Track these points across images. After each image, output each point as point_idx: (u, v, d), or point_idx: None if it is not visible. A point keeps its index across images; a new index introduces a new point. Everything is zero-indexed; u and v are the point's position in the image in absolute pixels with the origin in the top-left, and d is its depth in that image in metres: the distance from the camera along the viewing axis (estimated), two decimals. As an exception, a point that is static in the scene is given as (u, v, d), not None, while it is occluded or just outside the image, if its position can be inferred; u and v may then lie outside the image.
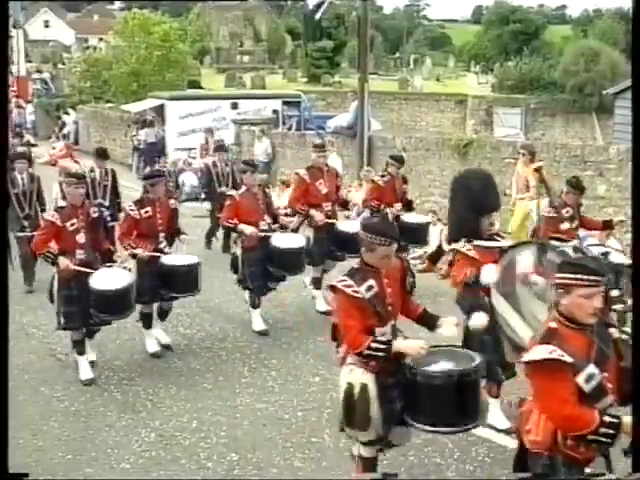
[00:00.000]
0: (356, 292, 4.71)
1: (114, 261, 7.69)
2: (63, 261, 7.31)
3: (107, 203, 11.48)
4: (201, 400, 7.11)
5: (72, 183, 7.53)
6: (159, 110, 23.21)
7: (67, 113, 31.75)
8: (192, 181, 18.48)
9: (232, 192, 9.21)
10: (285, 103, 23.48)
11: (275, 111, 22.39)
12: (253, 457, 6.04)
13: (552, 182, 10.21)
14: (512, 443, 5.96)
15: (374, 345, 4.66)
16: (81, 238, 7.43)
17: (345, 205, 10.05)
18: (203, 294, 10.16)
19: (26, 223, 10.94)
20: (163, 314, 8.58)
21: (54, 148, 27.14)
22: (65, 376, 7.78)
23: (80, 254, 7.43)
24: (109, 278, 7.39)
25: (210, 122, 21.79)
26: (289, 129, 21.97)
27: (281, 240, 8.78)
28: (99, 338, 8.73)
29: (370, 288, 4.76)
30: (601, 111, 31.11)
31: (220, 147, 14.37)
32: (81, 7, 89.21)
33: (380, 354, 4.68)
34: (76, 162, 16.34)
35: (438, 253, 11.44)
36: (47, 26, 75.57)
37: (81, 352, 7.69)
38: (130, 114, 25.48)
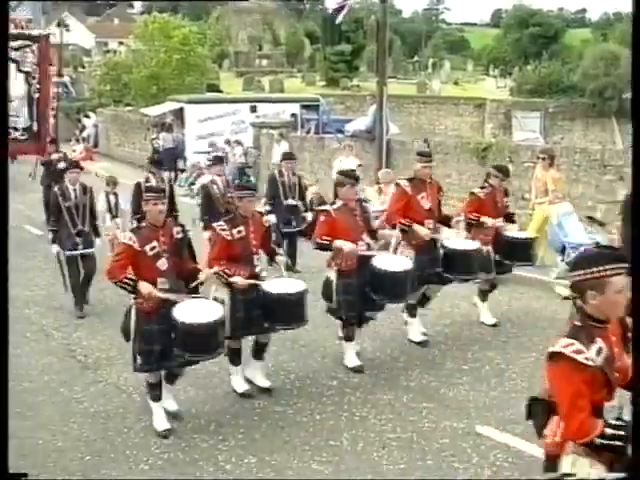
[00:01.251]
0: (587, 359, 3.56)
1: (197, 290, 6.64)
2: (145, 287, 6.24)
3: None
4: (219, 402, 7.13)
5: (150, 198, 6.45)
6: (178, 113, 23.34)
7: (87, 116, 32.00)
8: (211, 183, 18.53)
9: (326, 207, 7.96)
10: (304, 107, 23.56)
11: (294, 114, 22.48)
12: (271, 460, 6.04)
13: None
14: (530, 448, 5.97)
15: (609, 432, 3.50)
16: (163, 264, 6.36)
17: (447, 222, 8.88)
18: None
19: (78, 240, 9.89)
20: (260, 350, 7.40)
21: (74, 151, 27.33)
22: (84, 377, 7.83)
23: (162, 283, 6.37)
24: (197, 310, 6.29)
25: (229, 125, 21.90)
26: (307, 132, 22.04)
27: (385, 262, 7.62)
28: (116, 339, 8.82)
29: (600, 351, 3.63)
30: (621, 115, 30.94)
31: (288, 155, 12.55)
32: (101, 11, 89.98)
33: (617, 443, 3.48)
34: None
35: None
36: (67, 30, 76.14)
37: (156, 397, 6.65)
38: (149, 117, 25.62)
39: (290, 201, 11.76)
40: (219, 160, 12.02)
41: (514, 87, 41.29)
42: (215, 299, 6.67)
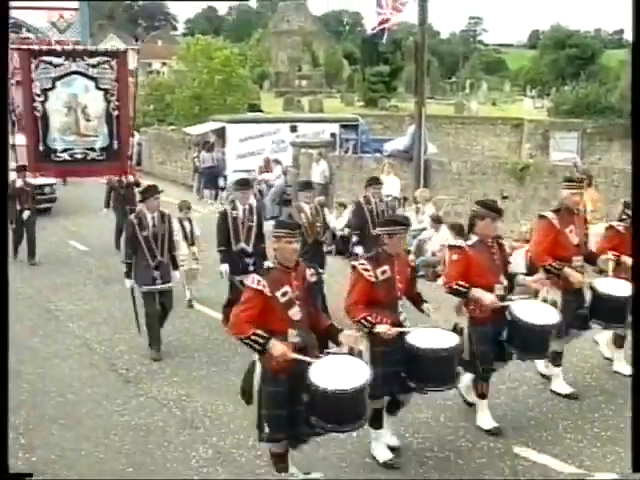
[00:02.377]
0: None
1: (336, 343, 5.62)
2: (279, 347, 5.22)
3: (251, 249, 9.53)
4: (257, 418, 7.20)
5: (283, 235, 5.44)
6: (220, 133, 23.61)
7: (131, 135, 32.48)
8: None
9: (460, 242, 6.85)
10: (343, 126, 23.68)
11: (333, 134, 22.60)
12: (309, 476, 6.10)
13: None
14: (567, 468, 5.96)
15: None
16: (296, 314, 5.40)
17: (593, 259, 7.77)
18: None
19: (156, 274, 8.90)
20: (395, 406, 6.42)
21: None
22: (126, 391, 7.96)
23: (294, 335, 5.41)
24: (338, 372, 5.26)
25: (269, 144, 22.13)
26: (346, 152, 22.13)
27: (527, 311, 6.60)
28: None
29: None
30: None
31: (374, 180, 11.02)
32: (145, 33, 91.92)
33: None
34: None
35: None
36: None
37: (282, 468, 5.77)
38: (192, 136, 25.98)
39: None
40: (307, 186, 10.65)
41: (552, 108, 41.04)
42: (351, 351, 5.66)
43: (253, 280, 5.36)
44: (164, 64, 56.57)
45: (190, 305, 11.01)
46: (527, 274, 7.71)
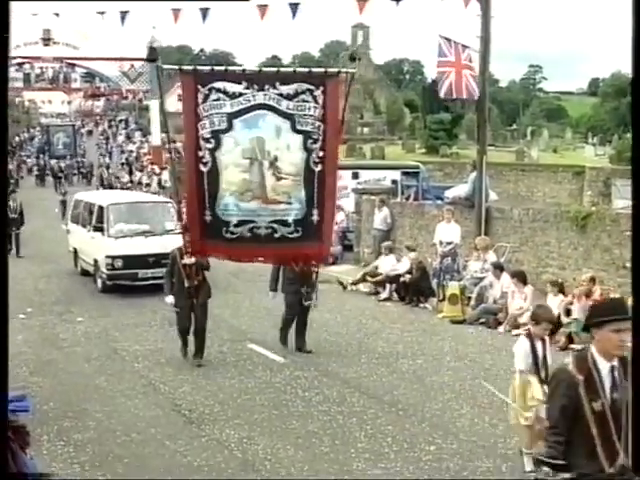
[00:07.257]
0: None
1: None
2: None
3: None
4: (318, 463, 7.21)
5: None
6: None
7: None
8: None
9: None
10: (404, 173, 23.82)
11: (394, 181, 22.75)
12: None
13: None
14: None
15: None
16: None
17: None
18: (320, 357, 10.36)
19: None
20: None
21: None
22: (188, 431, 8.05)
23: None
24: None
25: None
26: (407, 199, 22.21)
27: None
28: (220, 395, 9.09)
29: None
30: None
31: None
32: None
33: None
34: None
35: (557, 325, 11.27)
36: (181, 99, 79.81)
37: None
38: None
39: None
40: None
41: (613, 155, 40.70)
42: None
43: None
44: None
45: None
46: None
